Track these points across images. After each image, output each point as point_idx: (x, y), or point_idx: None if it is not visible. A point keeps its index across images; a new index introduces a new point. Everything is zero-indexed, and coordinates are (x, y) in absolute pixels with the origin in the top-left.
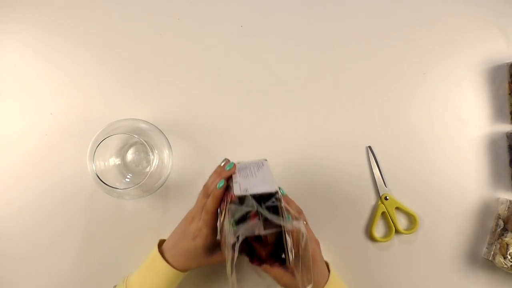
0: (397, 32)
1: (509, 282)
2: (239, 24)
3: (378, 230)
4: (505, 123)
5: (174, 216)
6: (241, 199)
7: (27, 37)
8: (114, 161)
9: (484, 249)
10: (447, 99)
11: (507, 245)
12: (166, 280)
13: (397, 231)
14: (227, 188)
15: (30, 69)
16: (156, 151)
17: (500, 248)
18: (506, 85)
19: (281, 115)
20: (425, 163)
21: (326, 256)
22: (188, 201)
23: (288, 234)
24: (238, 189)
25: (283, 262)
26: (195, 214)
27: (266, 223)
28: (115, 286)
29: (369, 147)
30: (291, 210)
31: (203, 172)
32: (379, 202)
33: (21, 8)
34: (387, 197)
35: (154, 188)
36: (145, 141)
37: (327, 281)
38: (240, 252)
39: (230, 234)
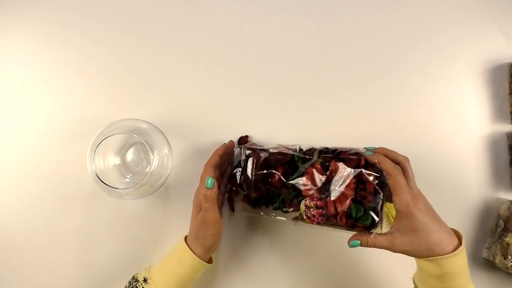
0: (397, 32)
1: (510, 282)
2: (239, 24)
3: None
4: (505, 123)
5: (174, 216)
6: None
7: (27, 37)
8: (114, 161)
9: (485, 249)
10: (447, 99)
11: (508, 245)
12: (190, 269)
13: None
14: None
15: (29, 68)
16: (156, 151)
17: (500, 248)
18: (506, 85)
19: (280, 116)
20: (425, 163)
21: (325, 256)
22: (188, 201)
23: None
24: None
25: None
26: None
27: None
28: (136, 274)
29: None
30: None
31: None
32: None
33: (21, 7)
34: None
35: (154, 188)
36: (145, 141)
37: (456, 248)
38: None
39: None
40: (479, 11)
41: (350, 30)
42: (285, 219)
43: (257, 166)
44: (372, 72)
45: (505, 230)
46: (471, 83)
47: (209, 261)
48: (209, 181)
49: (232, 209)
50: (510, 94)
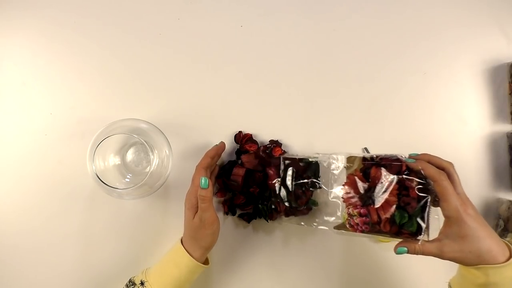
0: (397, 32)
1: None
2: (239, 24)
3: None
4: (505, 123)
5: (174, 216)
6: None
7: (27, 37)
8: (114, 161)
9: None
10: (447, 99)
11: None
12: (187, 272)
13: None
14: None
15: (29, 68)
16: (156, 151)
17: None
18: (506, 85)
19: (280, 116)
20: None
21: (328, 254)
22: None
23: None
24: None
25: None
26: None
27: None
28: (133, 277)
29: (365, 148)
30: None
31: None
32: None
33: (21, 7)
34: None
35: (154, 188)
36: (145, 141)
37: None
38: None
39: None
40: (479, 11)
41: (349, 31)
42: (327, 228)
43: (296, 176)
44: (371, 72)
45: (505, 230)
46: (471, 83)
47: (205, 262)
48: (203, 181)
49: (226, 212)
50: (510, 94)
